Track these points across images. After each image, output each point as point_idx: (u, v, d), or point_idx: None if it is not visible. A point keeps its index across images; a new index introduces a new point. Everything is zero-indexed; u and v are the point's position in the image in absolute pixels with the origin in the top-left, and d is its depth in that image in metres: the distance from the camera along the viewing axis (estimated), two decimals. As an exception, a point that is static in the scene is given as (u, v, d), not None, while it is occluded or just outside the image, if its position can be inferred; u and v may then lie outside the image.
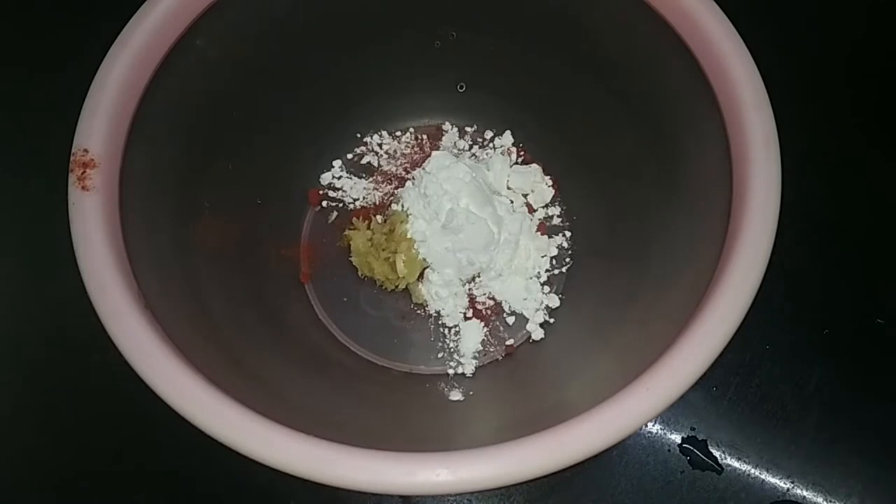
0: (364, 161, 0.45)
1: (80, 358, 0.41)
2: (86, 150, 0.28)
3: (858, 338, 0.42)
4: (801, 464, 0.39)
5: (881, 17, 0.49)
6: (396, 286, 0.40)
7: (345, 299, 0.42)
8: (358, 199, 0.44)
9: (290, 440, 0.23)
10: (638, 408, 0.24)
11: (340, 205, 0.44)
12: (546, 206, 0.43)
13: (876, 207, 0.45)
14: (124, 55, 0.29)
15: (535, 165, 0.44)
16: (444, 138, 0.45)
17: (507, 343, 0.40)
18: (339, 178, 0.44)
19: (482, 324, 0.41)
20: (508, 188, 0.43)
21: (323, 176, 0.44)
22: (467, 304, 0.41)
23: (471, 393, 0.38)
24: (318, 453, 0.23)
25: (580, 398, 0.26)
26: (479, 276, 0.41)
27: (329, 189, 0.44)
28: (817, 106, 0.46)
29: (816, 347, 0.41)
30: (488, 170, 0.43)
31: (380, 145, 0.45)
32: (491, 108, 0.44)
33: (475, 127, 0.45)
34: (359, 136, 0.45)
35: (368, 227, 0.41)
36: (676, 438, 0.40)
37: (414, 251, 0.39)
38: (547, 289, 0.41)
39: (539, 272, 0.42)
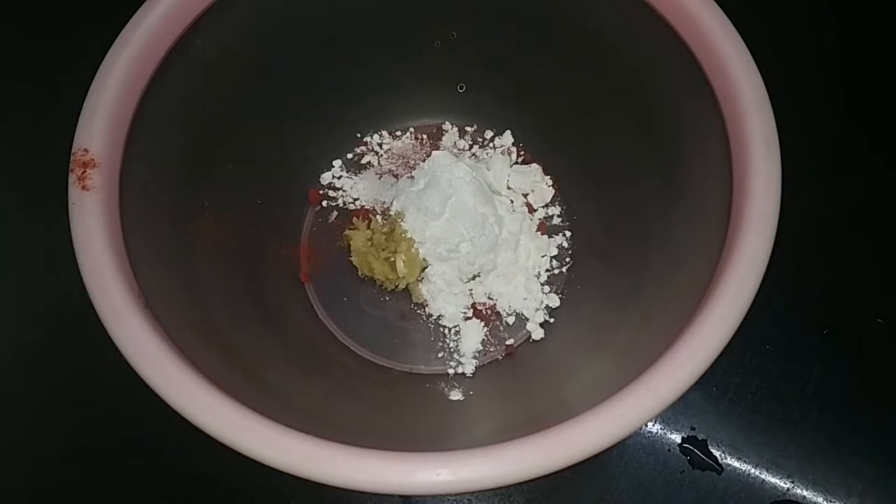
0: (364, 161, 0.45)
1: (80, 358, 0.41)
2: (86, 150, 0.28)
3: (858, 338, 0.42)
4: (801, 464, 0.39)
5: (881, 17, 0.49)
6: (396, 286, 0.40)
7: (345, 299, 0.42)
8: (358, 199, 0.44)
9: (290, 440, 0.23)
10: (638, 408, 0.24)
11: (340, 205, 0.44)
12: (546, 205, 0.43)
13: (876, 206, 0.45)
14: (124, 55, 0.29)
15: (535, 165, 0.44)
16: (444, 138, 0.45)
17: (507, 343, 0.40)
18: (339, 177, 0.44)
19: (482, 324, 0.41)
20: (508, 188, 0.43)
21: (323, 176, 0.44)
22: (467, 303, 0.41)
23: (471, 393, 0.38)
24: (318, 453, 0.23)
25: (580, 398, 0.26)
26: (479, 276, 0.41)
27: (329, 189, 0.44)
28: (817, 106, 0.46)
29: (816, 347, 0.41)
30: (488, 169, 0.43)
31: (380, 145, 0.45)
32: (491, 108, 0.44)
33: (475, 127, 0.45)
34: (359, 136, 0.45)
35: (368, 227, 0.41)
36: (676, 438, 0.40)
37: (414, 251, 0.39)
38: (547, 288, 0.41)
39: (539, 272, 0.42)
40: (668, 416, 0.40)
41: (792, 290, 0.42)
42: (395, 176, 0.44)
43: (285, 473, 0.23)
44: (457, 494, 0.38)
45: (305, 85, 0.39)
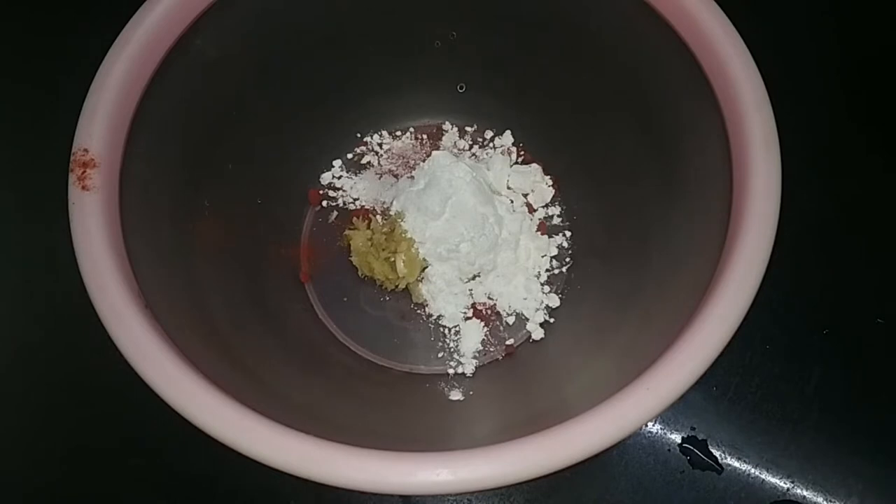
0: (364, 161, 0.45)
1: (80, 358, 0.41)
2: (86, 150, 0.28)
3: (858, 338, 0.42)
4: (801, 464, 0.39)
5: (881, 17, 0.49)
6: (396, 286, 0.40)
7: (345, 299, 0.42)
8: (358, 199, 0.44)
9: (290, 440, 0.23)
10: (638, 408, 0.24)
11: (340, 205, 0.44)
12: (546, 205, 0.43)
13: (876, 206, 0.45)
14: (124, 55, 0.29)
15: (535, 165, 0.44)
16: (444, 138, 0.45)
17: (507, 343, 0.40)
18: (339, 177, 0.44)
19: (482, 324, 0.41)
20: (508, 188, 0.43)
21: (323, 176, 0.44)
22: (467, 303, 0.41)
23: (471, 393, 0.38)
24: (318, 453, 0.23)
25: (580, 398, 0.26)
26: (479, 276, 0.41)
27: (329, 189, 0.44)
28: (817, 106, 0.46)
29: (816, 347, 0.41)
30: (488, 169, 0.43)
31: (380, 145, 0.45)
32: (491, 108, 0.44)
33: (475, 127, 0.45)
34: (359, 135, 0.45)
35: (368, 227, 0.41)
36: (676, 438, 0.40)
37: (414, 251, 0.39)
38: (547, 288, 0.41)
39: (539, 272, 0.42)
40: (668, 416, 0.40)
41: (792, 290, 0.42)
42: (395, 176, 0.44)
43: (285, 473, 0.23)
44: (457, 494, 0.38)
45: (305, 85, 0.39)
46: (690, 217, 0.31)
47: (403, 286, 0.40)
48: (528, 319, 0.41)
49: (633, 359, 0.27)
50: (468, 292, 0.41)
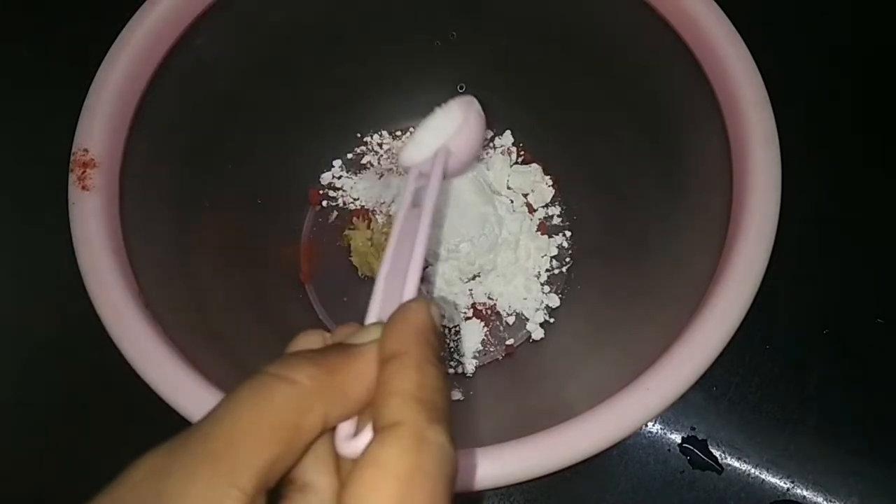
0: (364, 161, 0.45)
1: (80, 357, 0.41)
2: (86, 150, 0.28)
3: (858, 338, 0.42)
4: (801, 464, 0.39)
5: (881, 17, 0.49)
6: (396, 286, 0.40)
7: (345, 299, 0.42)
8: (358, 199, 0.44)
9: (290, 440, 0.23)
10: (638, 408, 0.24)
11: (340, 205, 0.44)
12: (546, 205, 0.43)
13: (876, 206, 0.45)
14: (124, 55, 0.29)
15: (535, 165, 0.44)
16: (444, 138, 0.45)
17: (507, 343, 0.40)
18: (339, 177, 0.44)
19: (482, 324, 0.41)
20: (508, 188, 0.43)
21: (323, 176, 0.44)
22: (467, 303, 0.41)
23: (471, 393, 0.38)
24: (318, 453, 0.23)
25: (580, 398, 0.26)
26: (479, 276, 0.41)
27: (329, 189, 0.44)
28: (817, 106, 0.46)
29: (816, 347, 0.41)
30: (488, 169, 0.43)
31: (380, 145, 0.45)
32: (491, 108, 0.44)
33: (475, 127, 0.45)
34: (359, 135, 0.45)
35: (368, 227, 0.41)
36: (676, 438, 0.40)
37: (414, 251, 0.39)
38: (547, 288, 0.41)
39: (539, 272, 0.42)
40: (668, 416, 0.40)
41: (792, 290, 0.42)
42: (396, 175, 0.44)
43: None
44: (456, 494, 0.38)
45: (305, 85, 0.39)
46: (690, 217, 0.31)
47: (403, 286, 0.40)
48: (528, 319, 0.41)
49: (633, 359, 0.27)
50: (468, 292, 0.41)
